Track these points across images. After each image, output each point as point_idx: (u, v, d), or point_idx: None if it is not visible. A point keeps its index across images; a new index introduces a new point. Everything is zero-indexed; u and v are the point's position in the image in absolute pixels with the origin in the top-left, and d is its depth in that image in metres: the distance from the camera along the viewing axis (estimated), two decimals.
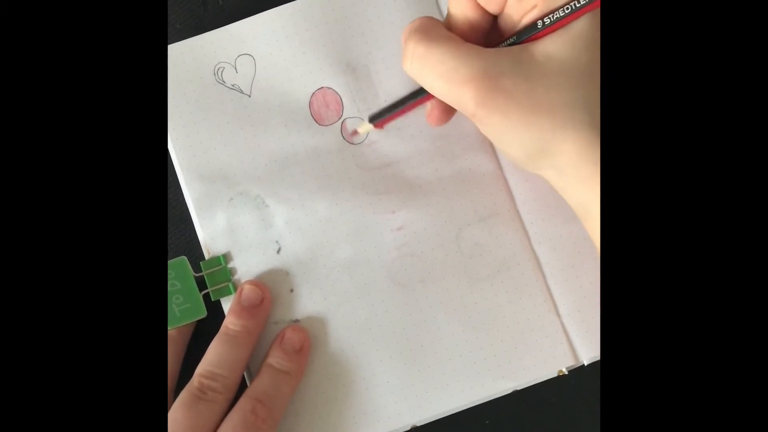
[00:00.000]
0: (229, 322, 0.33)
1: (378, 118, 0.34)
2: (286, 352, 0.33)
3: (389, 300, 0.35)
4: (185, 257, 0.34)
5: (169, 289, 0.33)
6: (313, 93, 0.36)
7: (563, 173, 0.30)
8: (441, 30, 0.30)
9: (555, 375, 0.35)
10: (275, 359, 0.33)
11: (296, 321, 0.35)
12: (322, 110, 0.36)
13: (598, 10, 0.28)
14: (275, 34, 0.36)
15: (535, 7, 0.29)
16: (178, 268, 0.34)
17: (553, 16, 0.28)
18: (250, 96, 0.36)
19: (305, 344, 0.34)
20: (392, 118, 0.34)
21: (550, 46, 0.29)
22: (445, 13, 0.36)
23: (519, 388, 0.35)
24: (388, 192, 0.36)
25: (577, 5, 0.28)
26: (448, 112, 0.33)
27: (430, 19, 0.31)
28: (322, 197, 0.35)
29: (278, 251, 0.35)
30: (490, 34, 0.32)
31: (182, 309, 0.33)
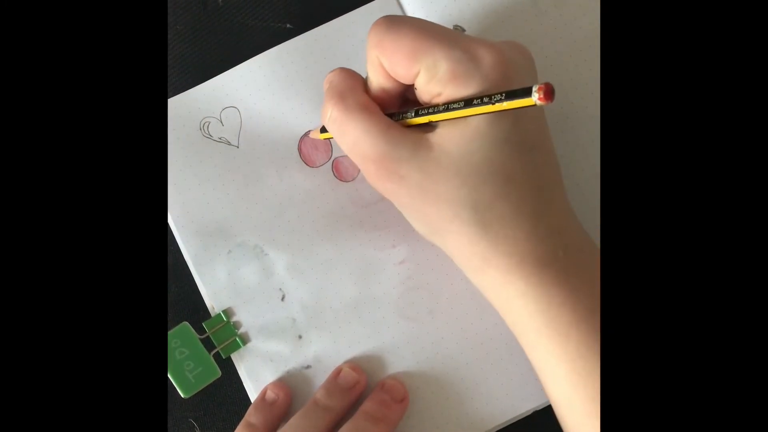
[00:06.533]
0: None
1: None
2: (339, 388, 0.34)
3: (400, 336, 0.34)
4: (187, 323, 0.34)
5: (177, 357, 0.33)
6: (301, 136, 0.36)
7: (455, 260, 0.31)
8: (357, 94, 0.30)
9: None
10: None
11: (308, 367, 0.34)
12: (311, 152, 0.36)
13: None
14: (257, 84, 0.36)
15: (439, 95, 0.29)
16: (182, 335, 0.33)
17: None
18: (238, 147, 0.36)
19: (360, 382, 0.34)
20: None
21: (447, 139, 0.28)
22: None
23: (539, 408, 0.34)
24: (387, 227, 0.35)
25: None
26: None
27: (349, 77, 0.31)
28: (321, 239, 0.35)
29: (282, 298, 0.35)
30: (406, 100, 0.32)
31: (196, 374, 0.33)
